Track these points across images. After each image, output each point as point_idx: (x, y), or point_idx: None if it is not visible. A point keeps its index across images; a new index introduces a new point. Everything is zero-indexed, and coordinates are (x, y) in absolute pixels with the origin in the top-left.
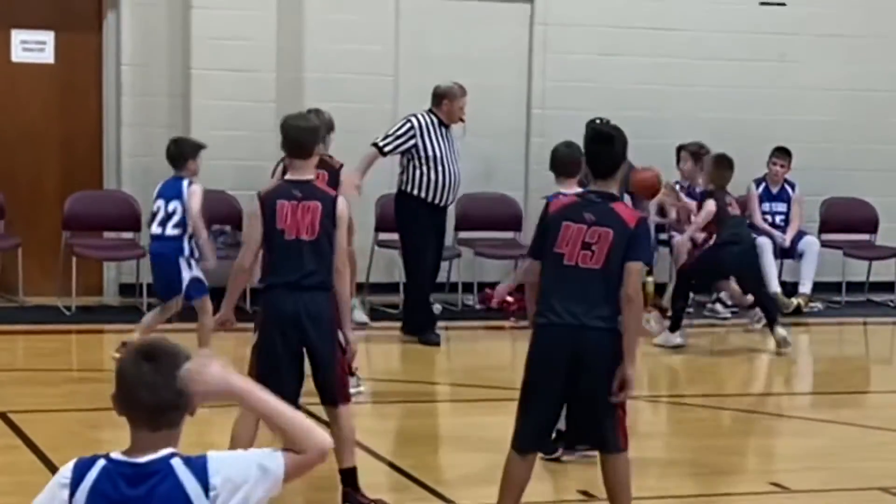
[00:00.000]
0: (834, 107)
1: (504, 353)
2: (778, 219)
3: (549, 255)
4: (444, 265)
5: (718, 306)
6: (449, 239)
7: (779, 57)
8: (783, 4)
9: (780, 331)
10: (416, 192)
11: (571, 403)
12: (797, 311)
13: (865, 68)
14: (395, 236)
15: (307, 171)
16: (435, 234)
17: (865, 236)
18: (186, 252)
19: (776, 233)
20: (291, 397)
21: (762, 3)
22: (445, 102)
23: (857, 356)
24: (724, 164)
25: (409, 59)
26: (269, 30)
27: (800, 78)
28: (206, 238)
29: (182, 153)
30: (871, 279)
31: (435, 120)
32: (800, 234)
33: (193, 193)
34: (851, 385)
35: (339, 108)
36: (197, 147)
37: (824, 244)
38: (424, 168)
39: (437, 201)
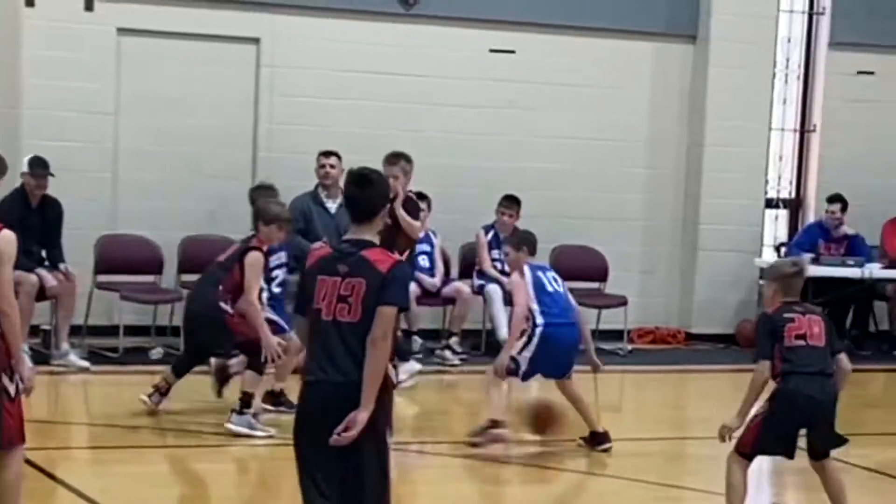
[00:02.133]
0: (564, 155)
1: (229, 398)
2: (507, 266)
3: (310, 310)
4: (166, 308)
5: (447, 353)
6: (171, 281)
7: (508, 104)
8: (512, 52)
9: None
10: None
11: (338, 458)
12: None
13: (595, 117)
14: (115, 278)
15: None
16: None
17: (595, 284)
18: None
19: (505, 279)
20: None
21: (492, 51)
22: None
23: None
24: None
25: (131, 97)
26: None
27: (530, 126)
28: None
29: None
30: (601, 327)
31: None
32: None
33: None
34: (582, 432)
35: (59, 146)
36: None
37: None
38: None
39: None
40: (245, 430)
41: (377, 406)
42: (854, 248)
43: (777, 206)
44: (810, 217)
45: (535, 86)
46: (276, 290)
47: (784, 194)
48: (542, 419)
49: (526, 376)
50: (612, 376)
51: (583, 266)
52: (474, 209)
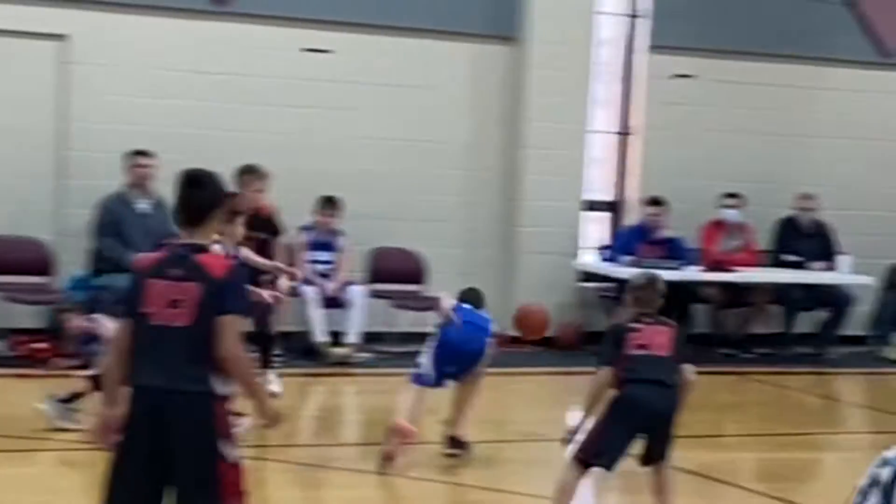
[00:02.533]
0: (382, 156)
1: (34, 401)
2: (324, 268)
3: (137, 315)
4: None
5: None
6: None
7: (325, 104)
8: (329, 52)
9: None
10: None
11: (163, 471)
12: (344, 361)
13: (414, 119)
14: None
15: None
16: None
17: (414, 287)
18: None
19: (322, 281)
20: None
21: (308, 50)
22: None
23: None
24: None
25: None
26: None
27: (348, 126)
28: None
29: None
30: (419, 329)
31: None
32: (347, 284)
33: None
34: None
35: None
36: None
37: (372, 294)
38: None
39: None
40: (53, 416)
41: (218, 417)
42: (674, 251)
43: (597, 209)
44: (630, 219)
45: (353, 86)
46: None
47: (604, 197)
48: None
49: (436, 379)
50: None
51: (401, 268)
52: (291, 210)
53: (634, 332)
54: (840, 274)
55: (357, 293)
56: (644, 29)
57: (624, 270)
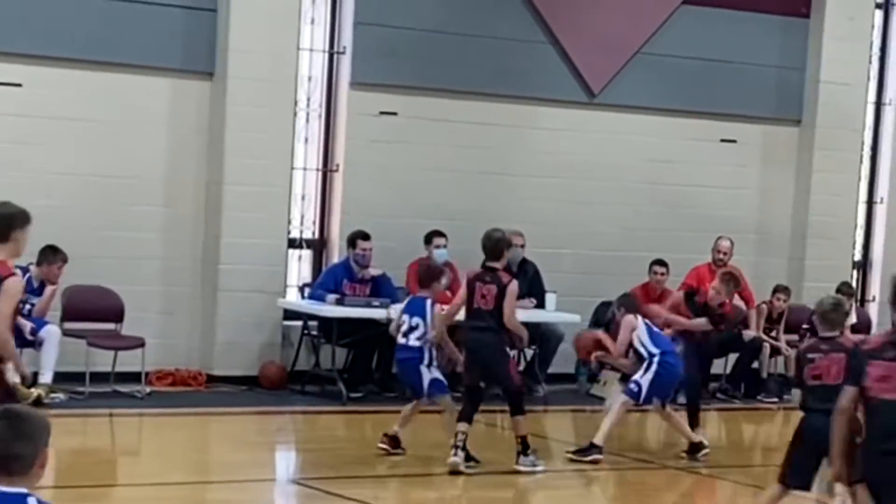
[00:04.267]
0: (77, 192)
1: None
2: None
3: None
4: None
5: None
6: None
7: (14, 139)
8: (19, 85)
9: None
10: None
11: None
12: (38, 401)
13: (110, 154)
14: None
15: None
16: None
17: (111, 325)
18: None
19: (23, 321)
20: None
21: None
22: None
23: (102, 448)
24: None
25: None
26: None
27: (40, 162)
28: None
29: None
30: (117, 369)
31: None
32: (41, 322)
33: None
34: (96, 478)
35: None
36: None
37: (66, 333)
38: None
39: None
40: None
41: None
42: (379, 289)
43: (301, 247)
44: (334, 257)
45: (45, 121)
46: None
47: (307, 234)
48: None
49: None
50: (130, 420)
51: (98, 307)
52: None
53: (811, 363)
54: (547, 312)
55: (51, 332)
56: (346, 66)
57: (329, 309)
